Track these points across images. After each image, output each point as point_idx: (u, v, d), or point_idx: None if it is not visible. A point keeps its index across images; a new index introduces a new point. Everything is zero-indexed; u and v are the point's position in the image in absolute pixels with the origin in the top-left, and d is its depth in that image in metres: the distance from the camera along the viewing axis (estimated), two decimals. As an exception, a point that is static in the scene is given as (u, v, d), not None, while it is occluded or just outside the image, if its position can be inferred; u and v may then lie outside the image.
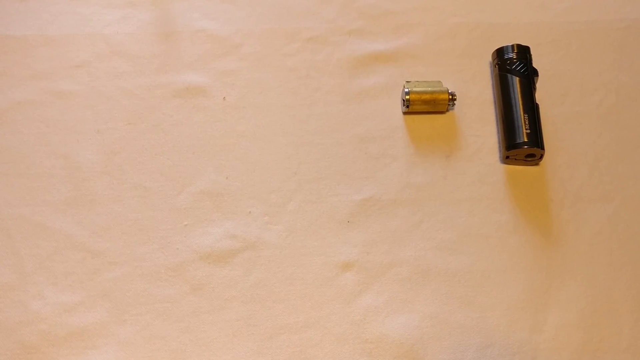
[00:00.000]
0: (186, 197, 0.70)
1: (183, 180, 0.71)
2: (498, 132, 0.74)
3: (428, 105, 0.73)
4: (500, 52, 0.75)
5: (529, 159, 0.71)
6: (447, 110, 0.75)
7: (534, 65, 0.74)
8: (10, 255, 0.67)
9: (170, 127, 0.73)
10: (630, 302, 0.66)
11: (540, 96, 0.74)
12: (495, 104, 0.75)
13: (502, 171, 0.72)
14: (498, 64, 0.74)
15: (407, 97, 0.73)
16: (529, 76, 0.73)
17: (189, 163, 0.72)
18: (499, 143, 0.73)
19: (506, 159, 0.72)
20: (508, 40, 0.77)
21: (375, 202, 0.70)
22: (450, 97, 0.73)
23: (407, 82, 0.74)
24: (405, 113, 0.75)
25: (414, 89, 0.73)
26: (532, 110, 0.71)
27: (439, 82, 0.74)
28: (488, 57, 0.77)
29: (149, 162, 0.72)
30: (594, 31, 0.79)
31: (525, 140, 0.70)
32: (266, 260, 0.67)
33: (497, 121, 0.74)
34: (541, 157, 0.71)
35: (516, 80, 0.72)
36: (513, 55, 0.74)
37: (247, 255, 0.68)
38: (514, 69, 0.73)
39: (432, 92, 0.73)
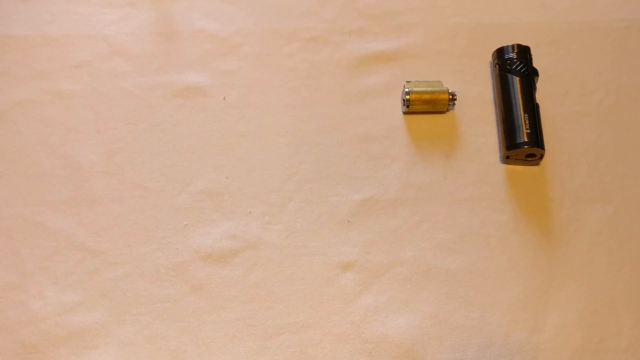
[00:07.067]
0: (186, 197, 0.70)
1: (183, 180, 0.71)
2: (498, 132, 0.74)
3: (428, 105, 0.73)
4: (500, 52, 0.75)
5: (529, 159, 0.71)
6: (447, 110, 0.75)
7: (534, 65, 0.74)
8: (10, 255, 0.67)
9: (170, 127, 0.73)
10: (630, 302, 0.66)
11: (540, 96, 0.74)
12: (495, 104, 0.75)
13: (502, 171, 0.72)
14: (498, 64, 0.74)
15: (407, 97, 0.73)
16: (529, 76, 0.73)
17: (189, 163, 0.72)
18: (499, 143, 0.73)
19: (506, 159, 0.72)
20: (508, 40, 0.77)
21: (375, 202, 0.70)
22: (451, 97, 0.73)
23: (407, 82, 0.74)
24: (405, 113, 0.75)
25: (414, 89, 0.73)
26: (532, 110, 0.71)
27: (439, 82, 0.74)
28: (488, 57, 0.77)
29: (149, 162, 0.72)
30: (594, 31, 0.79)
31: (526, 140, 0.70)
32: (266, 260, 0.67)
33: (497, 121, 0.74)
34: (541, 157, 0.71)
35: (516, 80, 0.72)
36: (513, 55, 0.74)
37: (247, 255, 0.68)
38: (514, 69, 0.73)
39: (432, 92, 0.73)
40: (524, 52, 0.74)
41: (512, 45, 0.74)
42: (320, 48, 0.78)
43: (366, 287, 0.66)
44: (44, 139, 0.72)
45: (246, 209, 0.70)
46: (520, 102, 0.71)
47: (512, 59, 0.74)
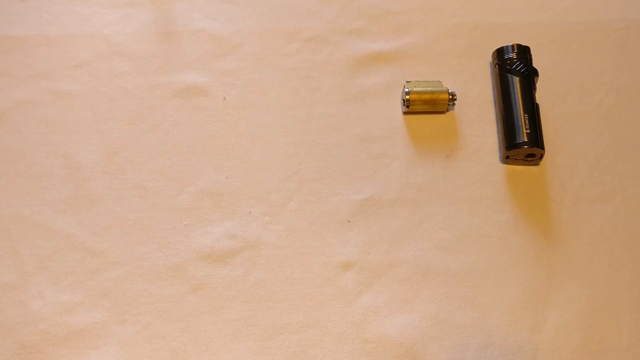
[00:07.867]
0: (186, 197, 0.70)
1: (183, 180, 0.71)
2: (498, 132, 0.74)
3: (428, 105, 0.73)
4: (500, 52, 0.75)
5: (529, 159, 0.71)
6: (447, 110, 0.75)
7: (534, 65, 0.74)
8: (10, 255, 0.67)
9: (170, 127, 0.73)
10: (630, 302, 0.66)
11: (540, 96, 0.74)
12: (495, 104, 0.75)
13: (502, 171, 0.72)
14: (498, 64, 0.74)
15: (407, 97, 0.73)
16: (529, 76, 0.73)
17: (189, 163, 0.72)
18: (499, 143, 0.73)
19: (506, 159, 0.72)
20: (508, 40, 0.77)
21: (375, 202, 0.70)
22: (450, 97, 0.73)
23: (407, 82, 0.74)
24: (405, 113, 0.75)
25: (414, 89, 0.73)
26: (532, 110, 0.71)
27: (439, 82, 0.74)
28: (488, 57, 0.77)
29: (149, 162, 0.72)
30: (594, 31, 0.79)
31: (526, 140, 0.70)
32: (266, 260, 0.67)
33: (497, 121, 0.74)
34: (541, 157, 0.71)
35: (516, 80, 0.72)
36: (513, 55, 0.74)
37: (247, 255, 0.68)
38: (514, 69, 0.73)
39: (432, 92, 0.73)
40: (524, 52, 0.74)
41: (512, 45, 0.74)
42: (320, 48, 0.78)
43: (366, 287, 0.66)
44: (44, 139, 0.72)
45: (246, 209, 0.70)
46: (520, 102, 0.71)
47: (512, 59, 0.74)
